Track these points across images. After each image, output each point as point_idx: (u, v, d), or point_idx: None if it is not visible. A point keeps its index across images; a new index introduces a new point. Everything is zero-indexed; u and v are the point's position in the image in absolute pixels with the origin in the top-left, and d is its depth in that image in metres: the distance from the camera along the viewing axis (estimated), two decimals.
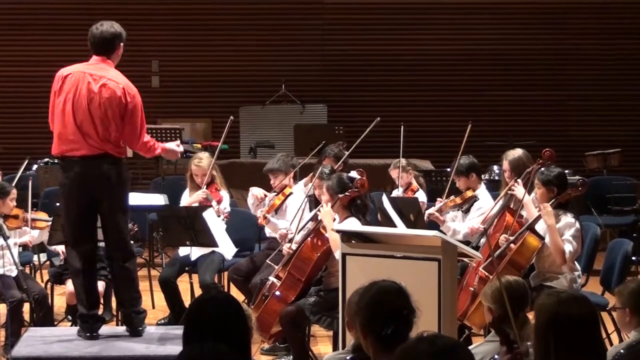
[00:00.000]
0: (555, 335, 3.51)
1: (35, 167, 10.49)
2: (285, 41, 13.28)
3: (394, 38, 13.31)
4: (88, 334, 6.11)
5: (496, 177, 10.01)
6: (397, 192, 8.47)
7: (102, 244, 6.37)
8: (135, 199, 7.47)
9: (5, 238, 6.93)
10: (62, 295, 7.91)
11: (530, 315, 4.75)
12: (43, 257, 8.37)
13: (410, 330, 3.63)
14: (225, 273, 7.78)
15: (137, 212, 7.93)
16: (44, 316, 6.99)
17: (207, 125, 13.16)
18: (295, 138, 11.65)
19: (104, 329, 6.29)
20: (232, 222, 7.74)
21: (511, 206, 6.83)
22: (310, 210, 7.31)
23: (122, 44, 6.15)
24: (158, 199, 8.26)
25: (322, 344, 7.32)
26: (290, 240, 6.89)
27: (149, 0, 13.20)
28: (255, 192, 7.95)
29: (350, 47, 13.34)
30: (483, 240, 6.82)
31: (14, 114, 13.05)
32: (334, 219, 6.44)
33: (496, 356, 4.23)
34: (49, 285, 7.59)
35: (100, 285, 6.76)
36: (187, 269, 7.69)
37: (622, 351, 4.45)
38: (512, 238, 6.43)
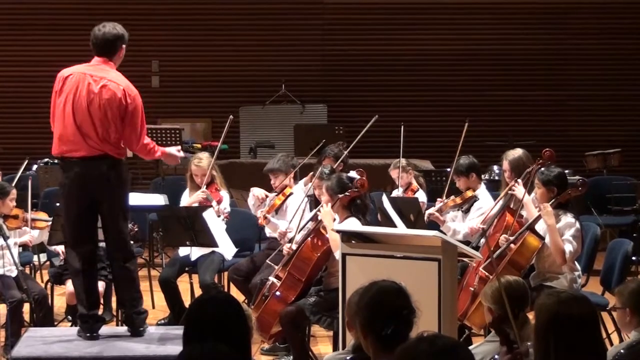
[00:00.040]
0: (555, 335, 3.51)
1: (35, 167, 10.49)
2: (286, 41, 13.29)
3: (394, 38, 13.32)
4: (88, 334, 6.11)
5: (496, 177, 10.01)
6: (397, 192, 8.47)
7: (102, 244, 6.37)
8: (136, 199, 7.47)
9: (5, 238, 6.93)
10: (62, 296, 7.91)
11: (531, 316, 4.75)
12: (43, 257, 8.36)
13: (410, 330, 3.63)
14: (225, 273, 7.78)
15: (137, 212, 7.93)
16: (44, 316, 6.99)
17: (207, 126, 13.16)
18: (295, 138, 11.65)
19: (104, 329, 6.29)
20: (232, 222, 7.75)
21: (511, 206, 6.83)
22: (311, 210, 7.31)
23: (124, 45, 6.14)
24: (158, 199, 8.26)
25: (322, 344, 7.32)
26: (290, 240, 6.89)
27: (149, 0, 13.20)
28: (257, 192, 7.94)
29: (351, 47, 13.34)
30: (483, 240, 6.82)
31: (14, 114, 13.05)
32: (334, 219, 6.44)
33: (496, 356, 4.23)
34: (49, 286, 7.59)
35: (100, 285, 6.76)
36: (187, 269, 7.69)
37: (622, 351, 4.45)
38: (512, 238, 6.43)
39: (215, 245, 7.31)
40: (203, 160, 7.80)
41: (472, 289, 6.37)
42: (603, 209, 10.46)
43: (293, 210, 7.46)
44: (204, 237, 7.21)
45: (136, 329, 6.20)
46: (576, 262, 6.47)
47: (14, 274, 7.07)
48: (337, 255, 6.00)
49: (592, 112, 13.40)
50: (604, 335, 5.85)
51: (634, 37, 13.41)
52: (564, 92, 13.46)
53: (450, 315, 5.30)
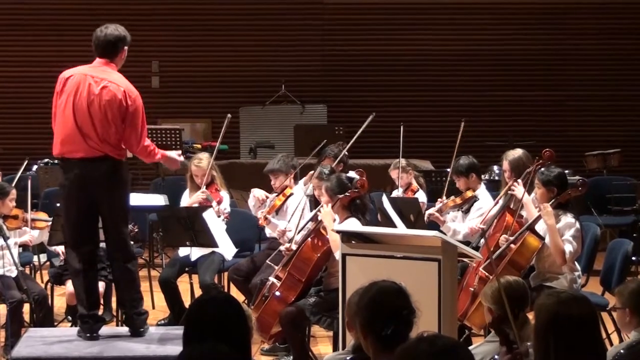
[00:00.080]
0: (555, 336, 3.51)
1: (35, 167, 10.49)
2: (285, 41, 13.29)
3: (393, 38, 13.32)
4: (88, 335, 6.11)
5: (496, 177, 10.02)
6: (397, 193, 8.48)
7: (103, 245, 6.37)
8: (136, 199, 7.47)
9: (5, 238, 6.93)
10: (62, 296, 7.91)
11: (530, 316, 4.75)
12: (43, 257, 8.37)
13: (410, 330, 3.63)
14: (225, 273, 7.78)
15: (137, 213, 7.93)
16: (44, 317, 6.99)
17: (207, 126, 13.16)
18: (295, 138, 11.65)
19: (104, 330, 6.30)
20: (232, 223, 7.75)
21: (511, 206, 6.83)
22: (311, 211, 7.31)
23: (126, 47, 6.15)
24: (158, 200, 8.26)
25: (322, 345, 7.32)
26: (290, 240, 6.89)
27: (149, 0, 13.21)
28: (257, 193, 7.94)
29: (350, 48, 13.34)
30: (483, 240, 6.82)
31: (14, 114, 13.05)
32: (334, 220, 6.44)
33: (496, 356, 4.23)
34: (49, 286, 7.59)
35: (101, 285, 6.76)
36: (187, 269, 7.69)
37: (622, 351, 4.44)
38: (512, 238, 6.42)
39: (215, 246, 7.32)
40: (203, 161, 7.80)
41: (472, 289, 6.37)
42: (603, 209, 10.47)
43: (293, 210, 7.46)
44: (204, 238, 7.21)
45: (136, 330, 6.21)
46: (576, 263, 6.47)
47: (14, 274, 7.07)
48: (337, 255, 6.00)
49: (592, 112, 13.40)
50: (604, 335, 5.86)
51: (633, 37, 13.41)
52: (563, 92, 13.46)
53: (450, 316, 5.30)
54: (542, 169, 6.60)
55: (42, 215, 7.62)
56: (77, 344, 6.04)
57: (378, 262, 5.51)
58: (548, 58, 13.43)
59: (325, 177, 6.95)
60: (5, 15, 13.03)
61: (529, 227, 6.43)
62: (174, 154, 6.43)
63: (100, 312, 6.62)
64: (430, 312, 5.02)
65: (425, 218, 7.61)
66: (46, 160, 10.56)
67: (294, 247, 6.69)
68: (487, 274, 6.30)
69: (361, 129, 8.04)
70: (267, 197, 7.86)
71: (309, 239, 6.55)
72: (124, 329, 6.35)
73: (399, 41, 13.31)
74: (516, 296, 4.80)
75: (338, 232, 5.95)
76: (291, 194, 7.74)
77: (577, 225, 6.37)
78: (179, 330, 5.69)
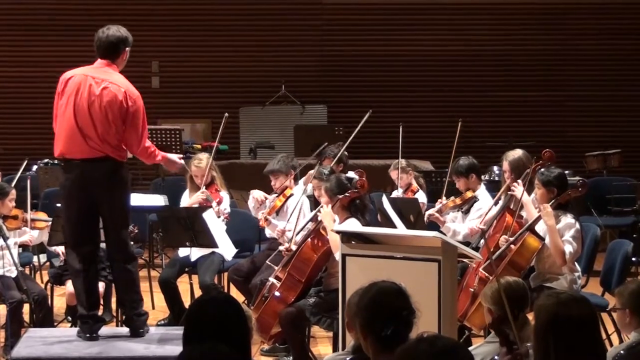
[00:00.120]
0: (554, 336, 3.51)
1: (35, 167, 10.49)
2: (285, 42, 13.29)
3: (393, 39, 13.32)
4: (88, 335, 6.11)
5: (496, 178, 10.01)
6: (397, 193, 8.48)
7: (103, 245, 6.37)
8: (136, 199, 7.47)
9: (5, 239, 6.93)
10: (62, 296, 7.91)
11: (530, 316, 4.75)
12: (43, 258, 8.37)
13: (410, 331, 3.63)
14: (225, 274, 7.78)
15: (137, 213, 7.92)
16: (44, 317, 6.99)
17: (207, 126, 13.16)
18: (295, 139, 11.64)
19: (104, 330, 6.30)
20: (232, 223, 7.75)
21: (511, 207, 6.83)
22: (312, 211, 7.31)
23: (127, 48, 6.16)
24: (158, 200, 8.26)
25: (322, 345, 7.32)
26: (289, 240, 6.89)
27: (148, 1, 13.21)
28: (256, 194, 7.94)
29: (350, 48, 13.35)
30: (483, 241, 6.82)
31: (14, 114, 13.05)
32: (334, 220, 6.44)
33: (496, 357, 4.23)
34: (48, 286, 7.59)
35: (100, 286, 6.76)
36: (187, 269, 7.69)
37: (622, 352, 4.44)
38: (512, 239, 6.42)
39: (215, 246, 7.31)
40: (203, 161, 7.80)
41: (472, 290, 6.36)
42: (603, 209, 10.47)
43: (292, 211, 7.46)
44: (204, 238, 7.21)
45: (137, 331, 6.21)
46: (576, 263, 6.47)
47: (13, 274, 7.07)
48: (337, 256, 6.00)
49: (592, 112, 13.41)
50: (604, 336, 5.85)
51: (633, 38, 13.41)
52: (563, 93, 13.46)
53: (450, 316, 5.30)
54: (542, 170, 6.60)
55: (42, 216, 7.62)
56: (77, 344, 6.04)
57: (378, 263, 5.51)
58: (548, 58, 13.43)
59: (325, 178, 6.94)
60: (5, 15, 13.03)
61: (529, 228, 6.43)
62: (175, 157, 6.44)
63: (100, 312, 6.62)
64: (430, 313, 5.02)
65: (425, 218, 7.61)
66: (46, 160, 10.55)
67: (293, 247, 6.69)
68: (487, 274, 6.30)
69: (359, 126, 8.04)
70: (265, 198, 7.85)
71: (309, 239, 6.55)
72: (124, 329, 6.35)
73: (399, 41, 13.32)
74: (516, 297, 4.79)
75: (338, 232, 5.95)
76: (291, 195, 7.73)
77: (577, 225, 6.37)
78: (178, 331, 5.69)
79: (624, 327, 4.76)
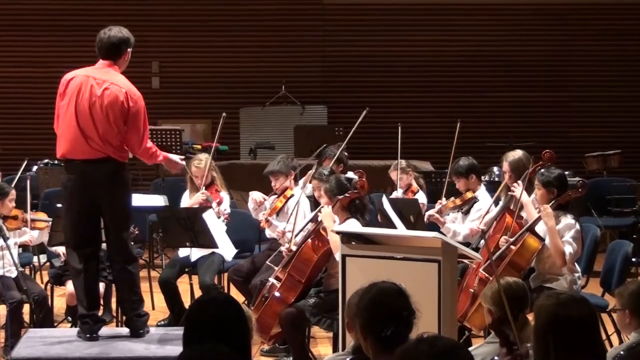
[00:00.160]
0: (554, 337, 3.51)
1: (35, 168, 10.48)
2: (285, 42, 13.30)
3: (393, 39, 13.32)
4: (88, 335, 6.11)
5: (496, 179, 10.01)
6: (397, 194, 8.48)
7: (103, 245, 6.37)
8: (136, 200, 7.46)
9: (5, 239, 6.94)
10: (62, 297, 7.91)
11: (530, 317, 4.75)
12: (43, 258, 8.36)
13: (410, 331, 3.63)
14: (225, 274, 7.78)
15: (137, 213, 7.91)
16: (44, 317, 6.99)
17: (207, 127, 13.16)
18: (295, 139, 11.64)
19: (104, 330, 6.30)
20: (232, 223, 7.75)
21: (511, 207, 6.82)
22: (312, 211, 7.31)
23: (129, 49, 6.16)
24: (158, 200, 8.26)
25: (322, 346, 7.32)
26: (289, 240, 6.89)
27: (149, 1, 13.21)
28: (255, 196, 7.93)
29: (350, 48, 13.35)
30: (483, 241, 6.82)
31: (14, 114, 13.06)
32: (334, 221, 6.44)
33: (496, 357, 4.23)
34: (48, 287, 7.59)
35: (101, 286, 6.75)
36: (187, 270, 7.69)
37: (622, 353, 4.45)
38: (512, 239, 6.42)
39: (215, 246, 7.31)
40: (203, 162, 7.81)
41: (472, 290, 6.36)
42: (603, 210, 10.47)
43: (292, 211, 7.46)
44: (204, 238, 7.21)
45: (137, 332, 6.20)
46: (576, 264, 6.47)
47: (13, 274, 7.07)
48: (337, 256, 5.99)
49: (592, 113, 13.41)
50: (604, 336, 5.85)
51: (633, 39, 13.42)
52: (563, 94, 13.47)
53: (450, 317, 5.30)
54: (542, 170, 6.60)
55: (42, 216, 7.62)
56: (77, 345, 6.04)
57: (378, 263, 5.51)
58: (548, 59, 13.44)
59: (325, 179, 6.94)
60: (5, 15, 13.04)
61: (529, 228, 6.42)
62: (176, 157, 6.44)
63: (100, 312, 6.62)
64: (430, 313, 5.02)
65: (425, 219, 7.61)
66: (46, 160, 10.55)
67: (293, 248, 6.69)
68: (487, 275, 6.30)
69: (355, 126, 8.04)
70: (264, 199, 7.84)
71: (309, 239, 6.55)
72: (124, 330, 6.35)
73: (399, 42, 13.32)
74: (516, 297, 4.79)
75: (338, 233, 5.95)
76: (292, 196, 7.73)
77: (577, 226, 6.36)
78: (178, 331, 5.70)
79: (624, 327, 4.76)
